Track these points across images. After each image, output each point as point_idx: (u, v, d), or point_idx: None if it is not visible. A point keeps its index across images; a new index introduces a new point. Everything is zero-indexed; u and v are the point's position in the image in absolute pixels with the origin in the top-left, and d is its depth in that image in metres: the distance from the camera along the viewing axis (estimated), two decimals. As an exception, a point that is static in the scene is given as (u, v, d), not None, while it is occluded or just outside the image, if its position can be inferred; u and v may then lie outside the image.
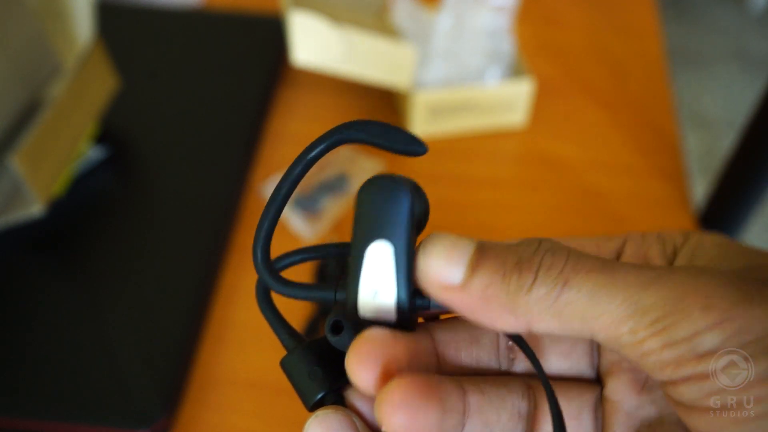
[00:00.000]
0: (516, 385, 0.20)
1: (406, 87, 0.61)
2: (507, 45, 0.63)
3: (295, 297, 0.20)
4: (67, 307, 0.49)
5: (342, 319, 0.18)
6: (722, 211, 0.56)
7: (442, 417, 0.17)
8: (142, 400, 0.44)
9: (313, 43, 0.58)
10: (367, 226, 0.18)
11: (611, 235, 0.21)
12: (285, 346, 0.21)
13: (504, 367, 0.20)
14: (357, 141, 0.19)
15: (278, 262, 0.21)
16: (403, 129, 0.19)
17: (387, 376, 0.17)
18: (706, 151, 1.63)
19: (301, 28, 0.57)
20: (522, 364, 0.20)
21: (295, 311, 0.50)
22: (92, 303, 0.49)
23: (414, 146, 0.18)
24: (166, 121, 0.64)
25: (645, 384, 0.19)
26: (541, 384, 0.18)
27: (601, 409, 0.20)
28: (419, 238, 0.18)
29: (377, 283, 0.18)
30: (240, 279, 0.53)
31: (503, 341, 0.20)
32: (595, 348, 0.20)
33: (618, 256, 0.21)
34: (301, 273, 0.52)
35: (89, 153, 0.59)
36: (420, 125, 0.63)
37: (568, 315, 0.16)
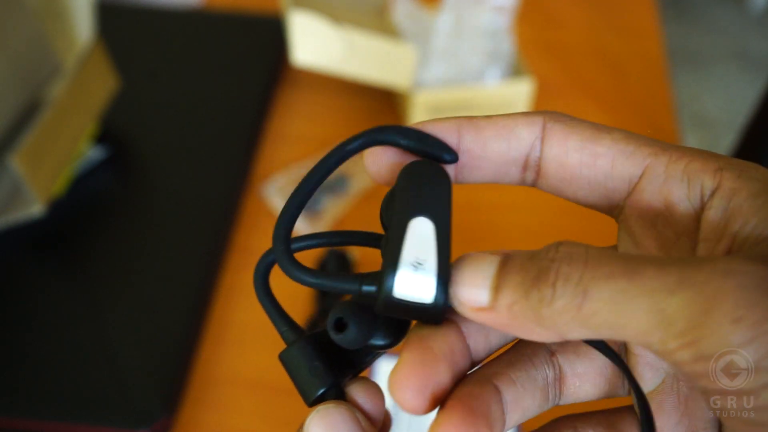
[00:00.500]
0: (540, 356, 0.20)
1: (406, 87, 0.61)
2: (507, 45, 0.63)
3: (316, 286, 0.18)
4: (67, 307, 0.49)
5: (346, 315, 0.18)
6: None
7: None
8: (142, 400, 0.44)
9: (313, 43, 0.58)
10: (412, 201, 0.17)
11: (630, 149, 0.19)
12: (284, 339, 0.20)
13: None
14: (393, 144, 0.19)
15: (294, 243, 0.20)
16: (435, 137, 0.19)
17: (435, 398, 0.17)
18: (706, 151, 1.63)
19: (301, 28, 0.57)
20: None
21: (295, 310, 0.50)
22: (92, 303, 0.49)
23: (447, 153, 0.19)
24: (166, 121, 0.64)
25: None
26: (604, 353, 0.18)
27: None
28: None
29: (418, 257, 0.17)
30: (240, 279, 0.53)
31: None
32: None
33: (631, 188, 0.19)
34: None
35: (89, 153, 0.59)
36: (420, 125, 0.63)
37: (594, 324, 0.15)
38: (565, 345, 0.20)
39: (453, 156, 0.19)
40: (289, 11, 0.56)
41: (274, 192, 0.59)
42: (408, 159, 0.19)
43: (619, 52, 0.76)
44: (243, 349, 0.49)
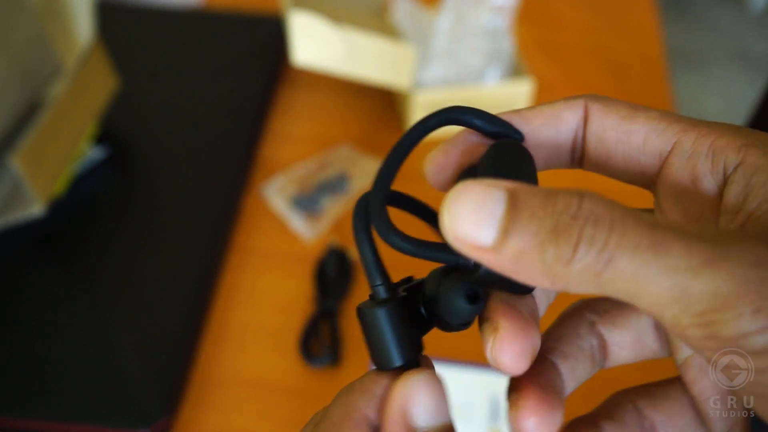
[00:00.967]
0: (584, 328, 0.21)
1: (406, 87, 0.61)
2: (507, 45, 0.63)
3: (413, 254, 0.18)
4: (67, 307, 0.49)
5: (479, 289, 0.18)
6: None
7: (562, 413, 0.18)
8: (142, 400, 0.44)
9: (313, 43, 0.58)
10: (505, 176, 0.18)
11: (662, 126, 0.19)
12: (374, 294, 0.19)
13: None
14: (467, 123, 0.20)
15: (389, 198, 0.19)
16: (503, 119, 0.20)
17: (532, 358, 0.18)
18: (706, 151, 1.63)
19: (301, 28, 0.57)
20: None
21: (295, 310, 0.50)
22: (92, 303, 0.49)
23: (516, 133, 0.20)
24: (166, 121, 0.64)
25: None
26: (600, 310, 0.21)
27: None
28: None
29: None
30: (240, 279, 0.53)
31: None
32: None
33: (661, 163, 0.19)
34: (298, 268, 0.52)
35: (89, 153, 0.59)
36: (420, 125, 0.63)
37: (609, 289, 0.15)
38: (604, 315, 0.21)
39: (521, 136, 0.20)
40: (289, 11, 0.56)
41: (274, 192, 0.59)
42: (463, 161, 0.20)
43: (619, 52, 0.76)
44: (243, 349, 0.49)
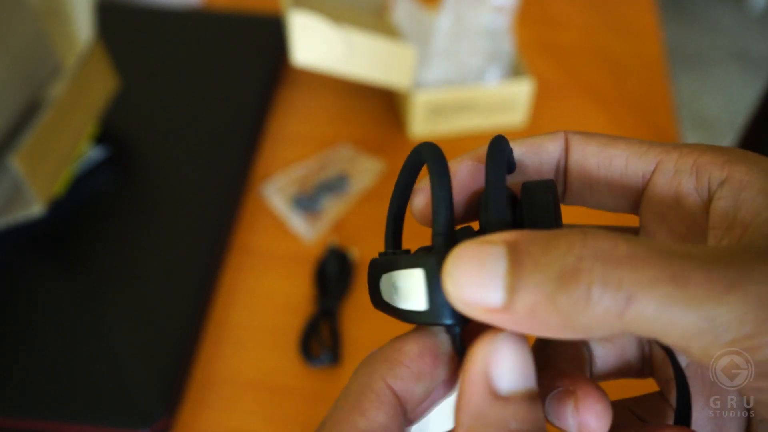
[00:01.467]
0: (578, 341, 0.22)
1: (406, 87, 0.61)
2: (507, 45, 0.63)
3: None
4: (67, 307, 0.49)
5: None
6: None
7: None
8: (142, 400, 0.44)
9: (313, 43, 0.58)
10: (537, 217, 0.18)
11: (643, 150, 0.20)
12: (435, 243, 0.17)
13: None
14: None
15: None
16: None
17: None
18: (706, 151, 1.63)
19: (301, 28, 0.57)
20: None
21: (295, 309, 0.50)
22: (92, 303, 0.49)
23: (509, 166, 0.20)
24: (166, 121, 0.64)
25: None
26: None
27: None
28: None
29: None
30: (240, 279, 0.53)
31: None
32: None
33: (645, 184, 0.19)
34: (296, 271, 0.52)
35: (89, 153, 0.59)
36: (420, 125, 0.64)
37: (634, 329, 0.14)
38: None
39: (512, 167, 0.20)
40: (289, 11, 0.56)
41: (274, 192, 0.59)
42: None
43: (619, 53, 0.76)
44: (243, 349, 0.49)
